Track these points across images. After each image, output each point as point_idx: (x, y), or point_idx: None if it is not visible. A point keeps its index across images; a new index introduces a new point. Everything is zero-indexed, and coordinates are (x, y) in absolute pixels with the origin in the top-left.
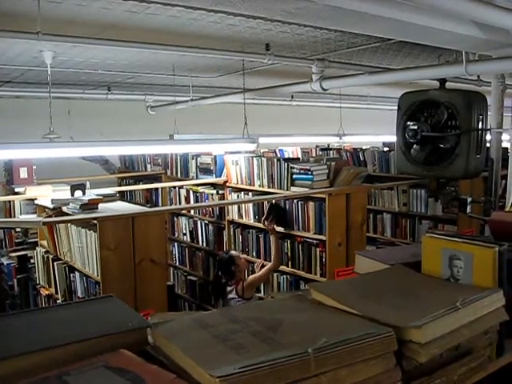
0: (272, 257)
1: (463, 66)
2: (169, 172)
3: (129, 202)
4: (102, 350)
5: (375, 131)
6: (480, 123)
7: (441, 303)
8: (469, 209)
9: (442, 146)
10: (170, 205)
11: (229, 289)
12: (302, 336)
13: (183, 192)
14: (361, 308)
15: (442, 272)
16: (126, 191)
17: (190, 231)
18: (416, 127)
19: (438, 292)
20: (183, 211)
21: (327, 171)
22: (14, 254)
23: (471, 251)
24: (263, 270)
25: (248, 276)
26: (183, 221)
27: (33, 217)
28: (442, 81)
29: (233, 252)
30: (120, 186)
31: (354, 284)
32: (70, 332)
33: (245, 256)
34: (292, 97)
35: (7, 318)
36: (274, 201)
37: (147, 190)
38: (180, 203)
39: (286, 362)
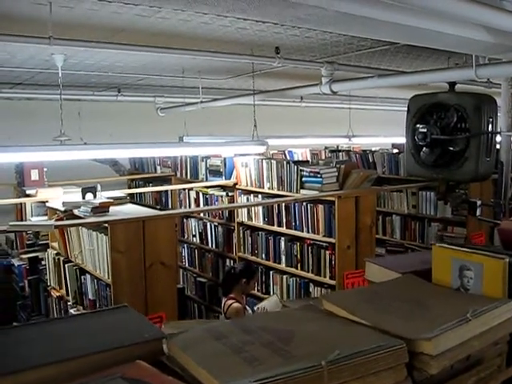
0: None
1: (473, 69)
2: (178, 174)
3: (138, 203)
4: (118, 362)
5: (384, 132)
6: (490, 126)
7: (451, 314)
8: (478, 212)
9: (451, 148)
10: (180, 206)
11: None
12: (314, 348)
13: (193, 194)
14: (372, 319)
15: (452, 282)
16: (136, 193)
17: (199, 233)
18: (425, 130)
19: (449, 303)
20: None
21: (336, 174)
22: (25, 256)
23: (481, 262)
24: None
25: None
26: (193, 222)
27: (44, 219)
28: (452, 83)
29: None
30: (130, 187)
31: (364, 294)
32: (86, 343)
33: (254, 258)
34: (301, 98)
35: (23, 328)
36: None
37: (157, 191)
38: (189, 205)
39: (300, 375)
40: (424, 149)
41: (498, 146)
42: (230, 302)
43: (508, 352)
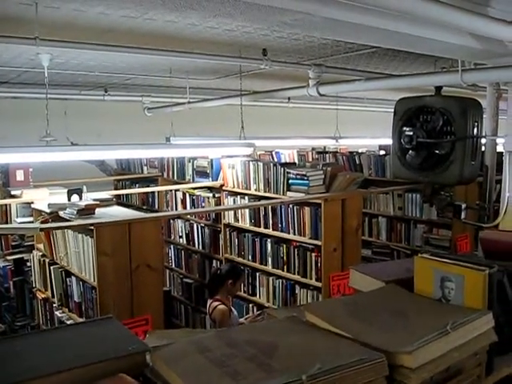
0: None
1: (459, 74)
2: (165, 174)
3: (125, 204)
4: (101, 375)
5: (371, 133)
6: (475, 130)
7: (431, 326)
8: (463, 215)
9: (437, 151)
10: (167, 207)
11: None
12: (296, 361)
13: (179, 195)
14: (353, 331)
15: (433, 292)
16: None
17: (186, 234)
18: (412, 133)
19: (429, 314)
20: None
21: (323, 177)
22: (10, 257)
23: (462, 274)
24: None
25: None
26: (179, 223)
27: (29, 220)
28: (438, 87)
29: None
30: (116, 187)
31: (347, 305)
32: (71, 357)
33: (240, 259)
34: (289, 99)
35: (8, 341)
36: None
37: (143, 192)
38: (176, 206)
39: None
40: (410, 151)
41: (483, 149)
42: (215, 303)
43: (487, 361)
